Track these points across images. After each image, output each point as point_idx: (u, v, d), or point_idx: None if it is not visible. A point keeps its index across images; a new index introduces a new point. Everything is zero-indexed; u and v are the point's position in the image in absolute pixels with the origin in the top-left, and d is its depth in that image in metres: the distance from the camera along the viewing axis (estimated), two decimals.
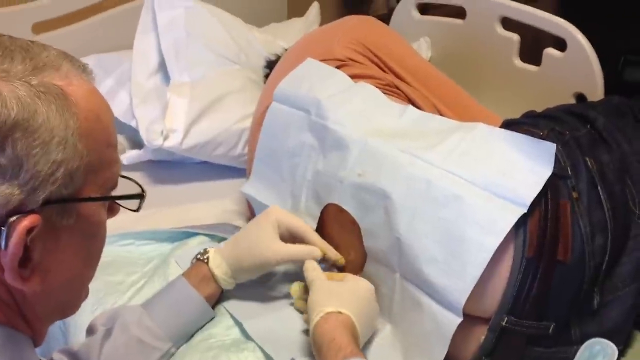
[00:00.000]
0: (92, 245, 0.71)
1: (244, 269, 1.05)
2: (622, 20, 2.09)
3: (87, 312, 1.12)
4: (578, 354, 0.98)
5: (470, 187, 0.97)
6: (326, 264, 1.07)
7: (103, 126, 0.68)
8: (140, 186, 0.74)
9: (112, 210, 0.74)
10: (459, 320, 0.93)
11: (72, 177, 0.64)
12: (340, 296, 0.96)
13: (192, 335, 1.05)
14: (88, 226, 0.69)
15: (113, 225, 1.30)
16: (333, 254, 1.06)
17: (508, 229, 0.93)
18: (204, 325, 1.06)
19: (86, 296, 0.77)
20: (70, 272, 0.70)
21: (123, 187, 0.73)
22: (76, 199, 0.66)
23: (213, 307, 1.07)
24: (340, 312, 0.93)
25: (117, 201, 0.73)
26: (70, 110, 0.64)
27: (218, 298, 1.09)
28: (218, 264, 1.05)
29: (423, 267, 0.96)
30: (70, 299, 0.75)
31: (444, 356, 0.95)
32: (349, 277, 1.03)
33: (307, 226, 1.06)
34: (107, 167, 0.69)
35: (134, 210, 0.74)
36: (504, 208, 0.95)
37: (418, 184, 0.99)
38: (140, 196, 0.74)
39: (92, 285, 1.14)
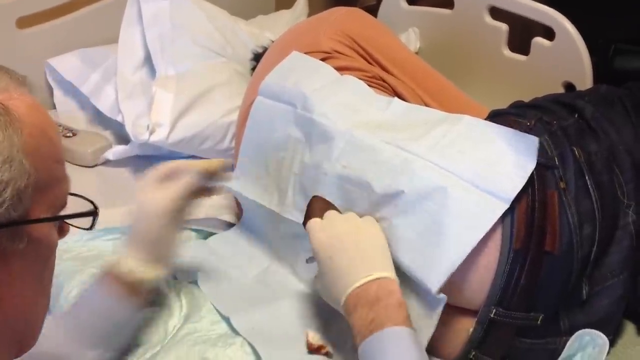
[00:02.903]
0: (45, 269, 0.67)
1: (148, 240, 1.00)
2: (612, 9, 2.08)
3: (70, 304, 1.11)
4: (567, 344, 0.98)
5: (454, 179, 0.96)
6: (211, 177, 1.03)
7: (49, 141, 0.64)
8: (92, 203, 0.70)
9: (62, 231, 0.70)
10: (437, 316, 0.93)
11: (21, 198, 0.60)
12: (346, 265, 0.91)
13: (176, 331, 1.05)
14: (40, 249, 0.65)
15: (100, 220, 1.31)
16: (209, 163, 1.02)
17: (490, 225, 0.93)
18: (188, 321, 1.06)
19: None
20: (25, 301, 0.65)
21: (73, 206, 0.69)
22: (27, 220, 0.61)
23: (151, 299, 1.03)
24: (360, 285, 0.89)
25: (70, 220, 0.69)
26: (14, 125, 0.60)
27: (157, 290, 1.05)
28: (118, 259, 1.00)
29: (403, 257, 0.95)
30: (27, 330, 0.68)
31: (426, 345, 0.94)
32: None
33: (180, 161, 1.03)
34: (56, 185, 0.65)
35: (87, 229, 0.70)
36: (487, 202, 0.94)
37: (402, 175, 0.98)
38: (94, 213, 0.70)
39: (77, 278, 1.14)
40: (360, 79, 1.17)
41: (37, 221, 0.62)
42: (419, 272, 0.94)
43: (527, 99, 1.26)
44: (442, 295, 0.92)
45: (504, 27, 1.63)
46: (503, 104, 1.26)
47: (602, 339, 0.96)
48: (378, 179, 0.99)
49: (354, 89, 1.14)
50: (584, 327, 0.97)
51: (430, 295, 0.93)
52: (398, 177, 0.98)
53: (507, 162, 0.97)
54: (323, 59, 1.21)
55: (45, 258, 0.67)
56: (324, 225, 0.98)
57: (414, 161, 0.98)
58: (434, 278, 0.92)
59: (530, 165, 0.96)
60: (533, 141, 0.98)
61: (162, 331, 1.06)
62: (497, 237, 0.95)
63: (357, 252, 0.93)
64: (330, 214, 0.99)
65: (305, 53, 1.22)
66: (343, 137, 1.05)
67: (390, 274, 0.91)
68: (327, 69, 1.19)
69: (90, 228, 0.70)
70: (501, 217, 0.93)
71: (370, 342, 0.85)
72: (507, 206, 0.93)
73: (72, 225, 0.70)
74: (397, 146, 1.01)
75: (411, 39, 1.80)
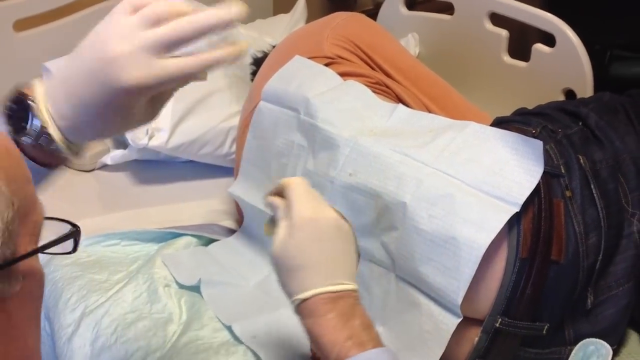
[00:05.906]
0: (40, 309, 0.58)
1: (83, 100, 0.68)
2: (609, 15, 2.08)
3: (69, 310, 1.11)
4: (572, 354, 0.97)
5: (462, 186, 0.96)
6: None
7: (16, 159, 0.54)
8: (70, 223, 0.60)
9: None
10: (459, 320, 0.92)
11: (10, 233, 0.50)
12: (306, 266, 0.79)
13: (177, 337, 1.04)
14: (34, 286, 0.55)
15: (99, 225, 1.30)
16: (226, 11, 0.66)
17: (500, 227, 0.92)
18: (190, 328, 1.05)
19: None
20: (28, 350, 0.55)
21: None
22: (20, 257, 0.52)
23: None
24: (316, 294, 0.78)
25: (56, 245, 0.58)
26: None
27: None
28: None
29: (418, 266, 0.95)
30: None
31: (439, 357, 0.93)
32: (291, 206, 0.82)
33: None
34: (33, 209, 0.55)
35: (70, 253, 0.61)
36: (496, 207, 0.93)
37: (409, 182, 0.97)
38: (76, 234, 0.60)
39: (76, 283, 1.13)
40: (363, 84, 1.16)
41: (29, 255, 0.53)
42: (439, 282, 0.93)
43: (527, 105, 1.25)
44: (458, 314, 0.92)
45: (504, 33, 1.62)
46: (503, 110, 1.26)
47: (606, 348, 0.96)
48: (385, 186, 0.98)
49: (357, 95, 1.13)
50: (589, 337, 0.97)
51: (444, 313, 0.93)
52: (405, 185, 0.97)
53: (515, 167, 0.96)
54: (326, 64, 1.20)
55: (39, 295, 0.57)
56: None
57: (421, 169, 0.98)
58: (457, 289, 0.91)
59: (538, 170, 0.95)
60: (538, 146, 0.98)
61: (161, 336, 1.05)
62: (504, 245, 0.94)
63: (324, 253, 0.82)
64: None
65: (308, 58, 1.21)
66: (348, 145, 1.04)
67: (355, 285, 0.81)
68: (330, 73, 1.18)
69: (73, 251, 0.61)
70: (507, 225, 0.92)
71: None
72: (517, 210, 0.92)
73: (58, 253, 0.60)
74: (403, 154, 1.00)
75: (410, 45, 1.80)
